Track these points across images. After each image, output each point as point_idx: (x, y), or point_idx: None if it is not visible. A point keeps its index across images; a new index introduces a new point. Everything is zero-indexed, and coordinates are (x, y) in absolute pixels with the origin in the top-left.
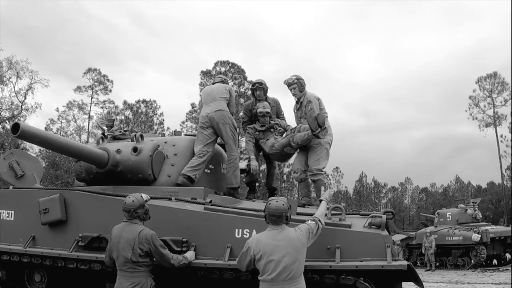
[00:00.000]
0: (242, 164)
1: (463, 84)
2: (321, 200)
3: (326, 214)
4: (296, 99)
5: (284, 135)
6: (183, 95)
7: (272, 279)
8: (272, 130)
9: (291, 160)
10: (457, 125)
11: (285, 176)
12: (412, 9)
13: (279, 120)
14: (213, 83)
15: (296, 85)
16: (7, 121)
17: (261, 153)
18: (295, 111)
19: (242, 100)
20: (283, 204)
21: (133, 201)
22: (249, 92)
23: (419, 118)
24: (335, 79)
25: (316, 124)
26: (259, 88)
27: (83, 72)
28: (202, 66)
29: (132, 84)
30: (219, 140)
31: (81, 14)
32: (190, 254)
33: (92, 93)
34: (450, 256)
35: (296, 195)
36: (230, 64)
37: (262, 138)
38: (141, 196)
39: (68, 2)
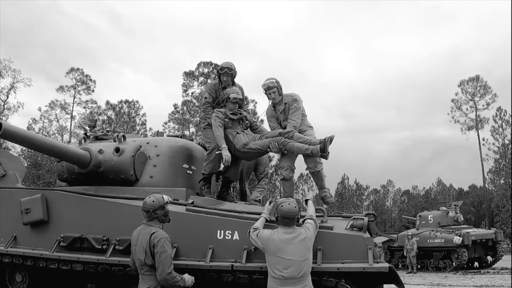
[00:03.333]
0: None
1: (441, 87)
2: (306, 200)
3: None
4: (274, 103)
5: (261, 136)
6: (163, 96)
7: (284, 277)
8: (240, 121)
9: (274, 161)
10: (436, 127)
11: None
12: (389, 12)
13: (246, 112)
14: None
15: (276, 89)
16: None
17: None
18: (271, 115)
19: None
20: (295, 207)
21: (153, 201)
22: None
23: (398, 121)
24: (312, 80)
25: (327, 146)
26: (227, 74)
27: (65, 72)
28: (180, 67)
29: (111, 85)
30: (201, 141)
31: (58, 14)
32: (188, 278)
33: (75, 93)
34: (432, 258)
35: (278, 196)
36: (213, 65)
37: (229, 127)
38: (162, 197)
39: (44, 2)
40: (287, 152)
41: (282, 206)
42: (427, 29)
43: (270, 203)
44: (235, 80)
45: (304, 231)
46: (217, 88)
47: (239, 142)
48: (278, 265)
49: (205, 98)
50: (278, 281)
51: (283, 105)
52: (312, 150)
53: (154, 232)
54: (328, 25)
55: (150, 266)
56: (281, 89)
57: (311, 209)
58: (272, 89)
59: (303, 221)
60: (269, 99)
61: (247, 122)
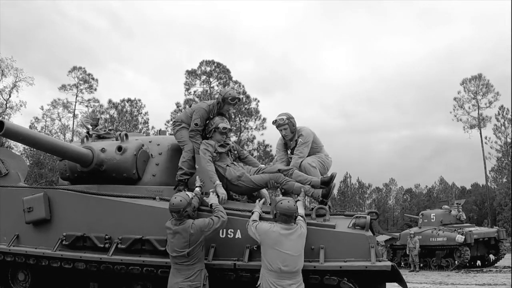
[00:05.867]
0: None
1: (439, 86)
2: (296, 201)
3: (310, 215)
4: (286, 140)
5: (258, 170)
6: (163, 96)
7: (281, 270)
8: (229, 153)
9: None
10: (436, 126)
11: None
12: (386, 11)
13: (233, 143)
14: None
15: (287, 126)
16: None
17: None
18: (280, 147)
19: None
20: (294, 205)
21: (180, 200)
22: (216, 95)
23: (397, 119)
24: (311, 79)
25: (331, 192)
26: (233, 105)
27: (68, 71)
28: (179, 67)
29: (111, 85)
30: None
31: (57, 15)
32: (214, 199)
33: (77, 91)
34: (434, 257)
35: (281, 195)
36: (215, 64)
37: (217, 160)
38: (187, 194)
39: (44, 3)
40: (283, 190)
41: (281, 203)
42: (424, 28)
43: (259, 200)
44: None
45: (300, 228)
46: (209, 115)
47: (232, 175)
48: (276, 258)
49: (196, 124)
50: (274, 274)
51: (294, 142)
52: (313, 193)
53: (192, 223)
54: (326, 24)
55: (192, 256)
56: (293, 125)
57: (300, 210)
58: (282, 126)
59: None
60: (281, 135)
61: (235, 152)
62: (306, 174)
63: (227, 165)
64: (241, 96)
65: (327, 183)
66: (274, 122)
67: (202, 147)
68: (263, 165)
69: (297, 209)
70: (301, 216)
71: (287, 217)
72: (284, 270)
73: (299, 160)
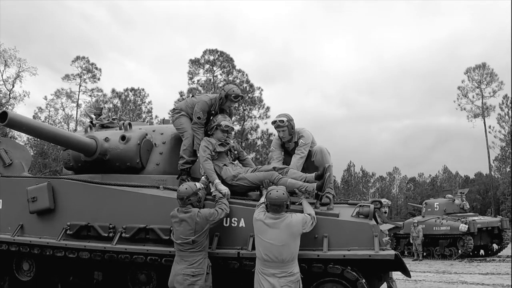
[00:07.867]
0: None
1: (440, 75)
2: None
3: (314, 203)
4: (284, 141)
5: (254, 170)
6: (165, 85)
7: (264, 259)
8: (228, 152)
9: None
10: (437, 116)
11: None
12: (386, 1)
13: (233, 143)
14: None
15: (286, 128)
16: None
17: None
18: (276, 147)
19: None
20: (283, 193)
21: (186, 188)
22: (220, 84)
23: (398, 109)
24: (312, 69)
25: (326, 185)
26: (236, 102)
27: (71, 60)
28: (181, 56)
29: (113, 75)
30: None
31: (57, 6)
32: (217, 192)
33: (81, 81)
34: (438, 246)
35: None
36: (218, 53)
37: (216, 159)
38: (195, 185)
39: None
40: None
41: (270, 193)
42: (425, 18)
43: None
44: None
45: (290, 216)
46: (210, 109)
47: (227, 174)
48: (259, 245)
49: (198, 118)
50: (259, 261)
51: (293, 143)
52: (307, 187)
53: (198, 212)
54: (327, 14)
55: (197, 243)
56: (292, 128)
57: (309, 209)
58: (281, 127)
59: None
60: (279, 136)
61: (235, 152)
62: (323, 157)
63: (224, 165)
64: (244, 85)
65: (320, 177)
66: (274, 123)
67: (202, 143)
68: (260, 166)
69: (288, 198)
70: (310, 215)
71: (277, 207)
72: (266, 258)
73: (300, 160)
